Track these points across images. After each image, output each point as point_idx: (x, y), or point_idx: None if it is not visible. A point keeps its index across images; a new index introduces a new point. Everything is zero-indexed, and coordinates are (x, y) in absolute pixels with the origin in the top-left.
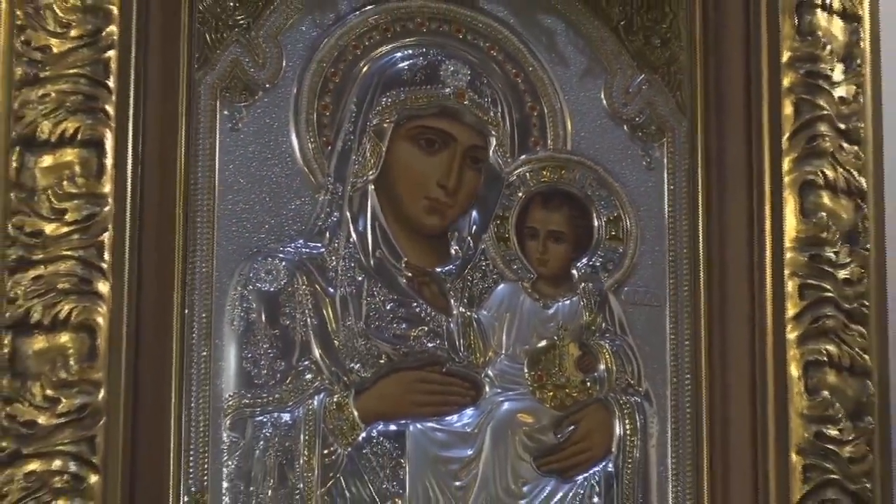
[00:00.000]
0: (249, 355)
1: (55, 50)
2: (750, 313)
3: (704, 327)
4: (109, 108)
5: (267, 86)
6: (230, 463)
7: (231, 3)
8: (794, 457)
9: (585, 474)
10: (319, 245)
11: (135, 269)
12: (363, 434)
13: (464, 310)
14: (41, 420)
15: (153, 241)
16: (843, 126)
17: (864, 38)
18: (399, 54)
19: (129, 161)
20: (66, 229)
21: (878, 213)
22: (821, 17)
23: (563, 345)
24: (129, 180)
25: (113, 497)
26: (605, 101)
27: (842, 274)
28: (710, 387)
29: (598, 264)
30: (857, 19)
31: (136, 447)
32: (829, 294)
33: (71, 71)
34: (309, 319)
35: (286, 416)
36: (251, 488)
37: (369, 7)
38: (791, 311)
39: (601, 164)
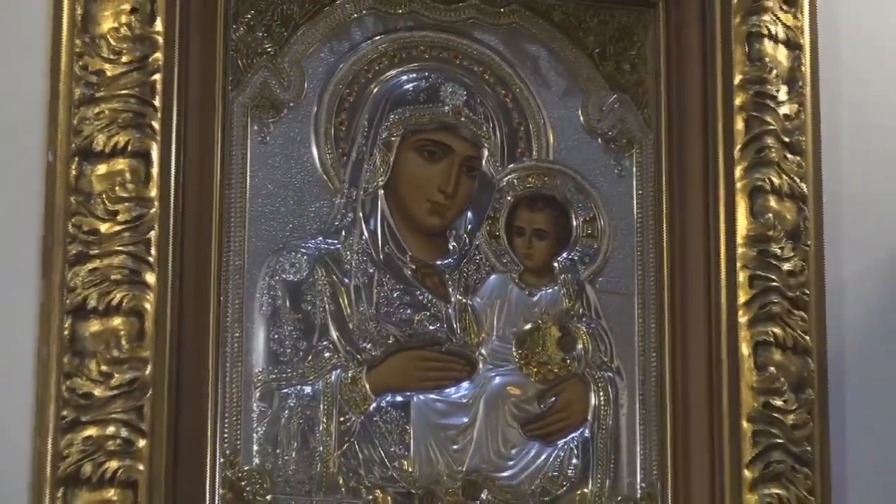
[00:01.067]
0: (276, 336)
1: (109, 74)
2: (707, 300)
3: (668, 312)
4: (155, 124)
5: (291, 104)
6: (259, 429)
7: (260, 34)
8: (745, 424)
9: (565, 439)
10: (336, 242)
11: (177, 262)
12: (374, 404)
13: (460, 297)
14: (97, 392)
15: (193, 238)
16: (787, 139)
17: (805, 64)
18: (405, 77)
19: (173, 169)
20: (118, 228)
21: (818, 214)
22: (768, 45)
23: (545, 327)
24: (173, 186)
25: (158, 458)
26: (582, 118)
27: (786, 266)
28: (673, 364)
29: (576, 258)
30: (798, 47)
31: (178, 415)
32: (775, 284)
33: (122, 92)
34: (327, 306)
35: (308, 389)
36: (278, 451)
37: (379, 37)
38: (742, 298)
39: (579, 171)
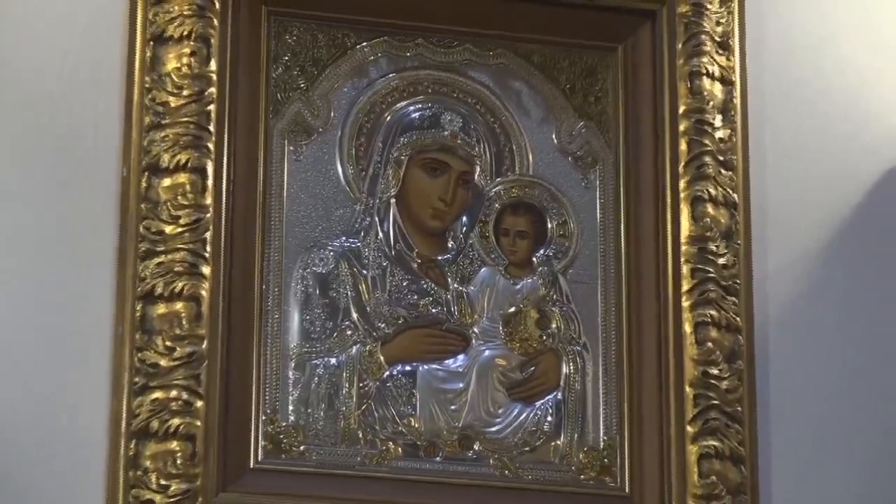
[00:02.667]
0: (308, 318)
1: (172, 105)
2: (657, 288)
3: (625, 298)
4: (210, 146)
5: (320, 130)
6: (294, 393)
7: (295, 73)
8: (687, 388)
9: (542, 400)
10: (356, 241)
11: (228, 257)
12: (387, 372)
13: (457, 286)
14: (162, 363)
15: (241, 238)
16: (721, 158)
17: (737, 97)
18: (412, 108)
19: (224, 182)
20: (180, 230)
21: (746, 218)
22: (706, 82)
23: (526, 310)
24: (224, 196)
25: (212, 416)
26: (555, 141)
27: (721, 261)
28: (629, 340)
29: (550, 254)
30: (731, 83)
31: (229, 382)
32: (712, 275)
33: (183, 119)
34: (349, 293)
35: (333, 360)
36: (308, 410)
37: (391, 74)
38: (685, 286)
39: (553, 184)
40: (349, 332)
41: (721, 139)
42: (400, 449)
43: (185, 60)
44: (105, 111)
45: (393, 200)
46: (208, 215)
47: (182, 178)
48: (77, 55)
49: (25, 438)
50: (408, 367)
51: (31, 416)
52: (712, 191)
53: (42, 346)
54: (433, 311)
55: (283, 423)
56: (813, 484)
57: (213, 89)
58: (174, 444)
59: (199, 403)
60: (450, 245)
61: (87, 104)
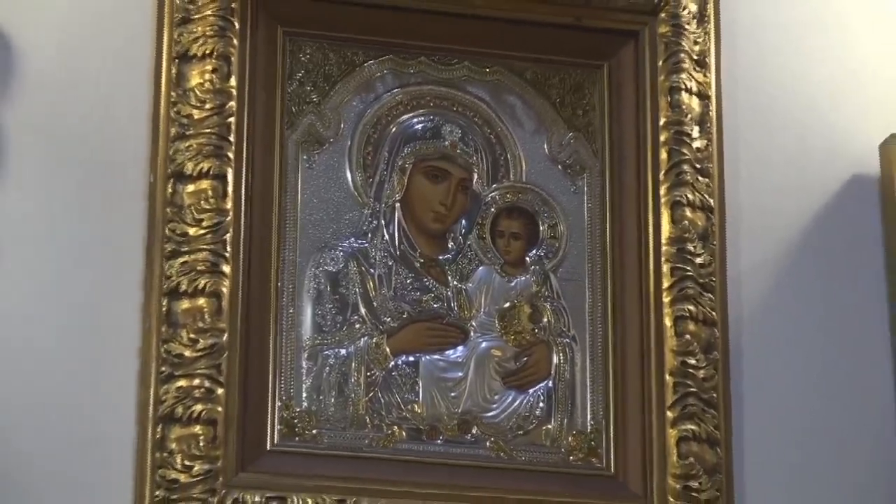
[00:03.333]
0: (320, 312)
1: (196, 117)
2: (639, 285)
3: (610, 295)
4: (230, 155)
5: (331, 140)
6: (307, 381)
7: (308, 88)
8: (667, 377)
9: (534, 388)
10: (364, 242)
11: (247, 257)
12: (392, 363)
13: (457, 283)
14: (186, 353)
15: (258, 239)
16: (698, 166)
17: (713, 110)
18: (415, 120)
19: (243, 188)
20: (202, 231)
21: (721, 221)
22: (685, 96)
23: (520, 305)
24: (243, 200)
25: (232, 403)
26: (547, 150)
27: (698, 260)
28: (614, 332)
29: (542, 254)
30: (707, 98)
31: (247, 371)
32: (690, 273)
33: (206, 130)
34: (357, 290)
35: (343, 351)
36: (320, 397)
37: (396, 89)
38: (666, 283)
39: (544, 190)
40: (357, 326)
41: (698, 149)
42: (404, 432)
43: (207, 77)
44: (134, 123)
45: (398, 205)
46: (228, 218)
47: (204, 184)
48: (109, 72)
49: (61, 423)
50: (411, 358)
51: (66, 403)
52: (690, 196)
53: (76, 338)
54: (434, 306)
55: (298, 409)
56: (781, 465)
57: (232, 103)
58: (197, 429)
59: (220, 391)
60: (450, 246)
61: (118, 117)
